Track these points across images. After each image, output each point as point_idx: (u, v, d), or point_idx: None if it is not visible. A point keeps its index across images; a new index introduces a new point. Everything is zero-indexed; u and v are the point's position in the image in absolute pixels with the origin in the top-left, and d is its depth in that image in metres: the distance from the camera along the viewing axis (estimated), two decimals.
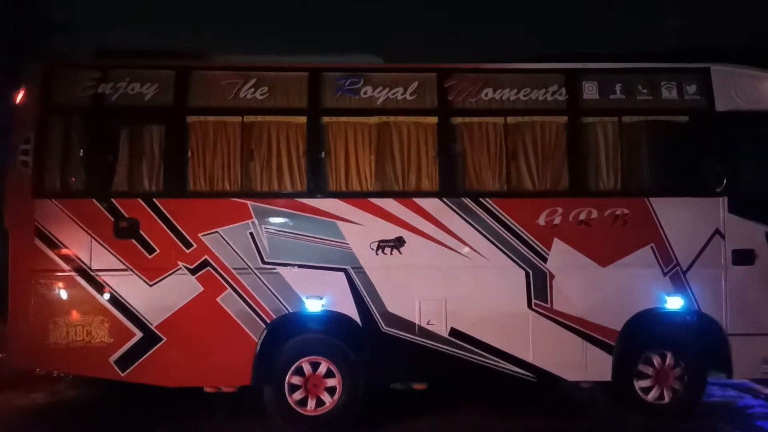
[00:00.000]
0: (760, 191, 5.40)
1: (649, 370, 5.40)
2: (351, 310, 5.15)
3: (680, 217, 5.29)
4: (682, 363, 5.39)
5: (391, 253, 5.18)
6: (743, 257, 5.27)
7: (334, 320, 5.19)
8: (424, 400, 5.72)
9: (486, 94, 5.39)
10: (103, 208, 5.07)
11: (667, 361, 5.40)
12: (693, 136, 5.40)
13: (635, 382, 5.39)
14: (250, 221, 5.12)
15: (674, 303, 5.28)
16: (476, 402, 5.92)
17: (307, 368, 5.18)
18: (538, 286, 5.23)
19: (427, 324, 5.18)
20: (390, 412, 5.54)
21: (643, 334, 5.33)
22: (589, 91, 5.40)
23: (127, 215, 5.07)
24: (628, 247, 5.26)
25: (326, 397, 5.17)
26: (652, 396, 5.39)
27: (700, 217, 5.30)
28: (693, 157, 5.41)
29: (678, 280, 5.27)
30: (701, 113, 5.38)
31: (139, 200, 5.10)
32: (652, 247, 5.25)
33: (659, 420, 5.37)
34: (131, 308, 5.04)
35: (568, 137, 5.35)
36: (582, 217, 5.25)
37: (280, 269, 5.13)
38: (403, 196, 5.24)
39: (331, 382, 5.18)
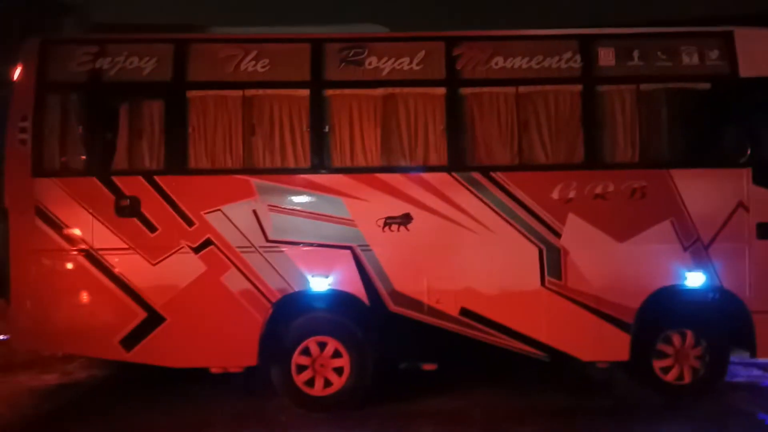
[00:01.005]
0: None
1: (669, 349, 5.20)
2: (358, 289, 5.01)
3: (701, 190, 5.04)
4: (703, 342, 5.18)
5: (398, 230, 5.01)
6: None
7: (340, 299, 5.06)
8: (437, 379, 5.58)
9: (496, 63, 5.15)
10: (104, 187, 4.97)
11: (688, 340, 5.19)
12: (715, 104, 5.11)
13: (654, 362, 5.20)
14: (253, 199, 4.98)
15: (695, 279, 5.05)
16: (490, 381, 5.77)
17: (314, 348, 5.06)
18: (552, 263, 5.03)
19: (436, 303, 5.03)
20: (400, 392, 5.43)
21: (662, 312, 5.13)
22: (605, 57, 5.14)
23: (127, 193, 4.96)
24: (646, 222, 5.03)
25: (334, 378, 5.06)
26: (671, 376, 5.20)
27: (722, 190, 5.04)
28: (715, 126, 5.13)
29: (699, 255, 5.03)
30: (724, 80, 5.09)
31: (140, 178, 4.98)
32: (671, 221, 5.02)
33: (679, 400, 5.18)
34: (134, 288, 4.95)
35: (583, 107, 5.09)
36: (598, 190, 5.02)
37: (284, 247, 4.99)
38: (410, 170, 5.06)
39: (338, 363, 5.06)
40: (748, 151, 5.03)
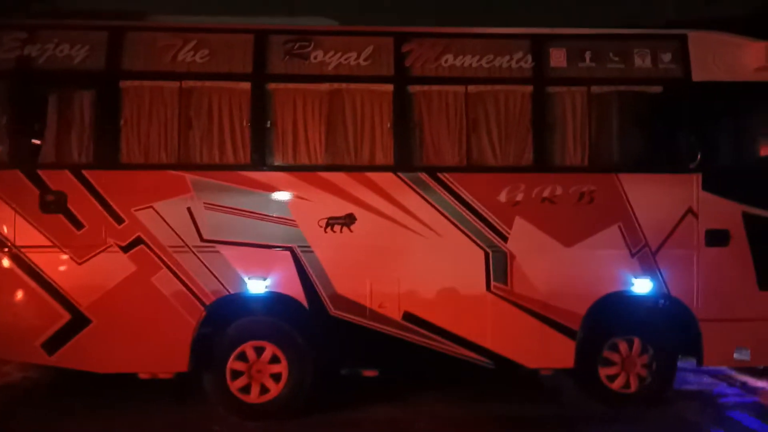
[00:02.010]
0: (737, 168, 5.07)
1: (615, 357, 5.11)
2: (297, 292, 4.81)
3: (651, 195, 4.94)
4: (651, 349, 5.09)
5: (341, 231, 4.83)
6: (717, 238, 4.94)
7: (278, 303, 4.84)
8: (383, 386, 5.43)
9: (446, 61, 4.99)
10: (28, 180, 4.68)
11: (634, 348, 5.10)
12: (667, 108, 5.01)
13: (600, 369, 5.10)
14: (187, 195, 4.75)
15: (642, 286, 4.96)
16: (438, 389, 5.61)
17: (250, 353, 4.85)
18: (498, 268, 4.89)
19: (379, 307, 4.85)
20: (344, 399, 5.25)
21: (608, 318, 5.03)
22: (557, 58, 5.02)
23: (53, 188, 4.68)
24: (594, 227, 4.92)
25: (271, 384, 4.85)
26: (617, 384, 5.10)
27: (672, 195, 4.95)
28: (666, 130, 5.04)
29: (647, 261, 4.94)
30: (676, 83, 5.01)
31: (67, 172, 4.71)
32: (619, 226, 4.92)
33: (625, 409, 5.08)
34: (59, 288, 4.67)
35: (533, 108, 4.96)
36: (546, 194, 4.90)
37: (220, 248, 4.76)
38: (355, 170, 4.87)
39: (276, 369, 4.86)
40: (699, 157, 4.95)
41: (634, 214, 4.92)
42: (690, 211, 4.94)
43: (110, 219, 4.70)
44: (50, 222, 4.68)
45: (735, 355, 5.01)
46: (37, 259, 4.68)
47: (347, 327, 4.83)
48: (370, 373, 5.00)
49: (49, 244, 4.67)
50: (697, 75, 4.99)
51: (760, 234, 4.95)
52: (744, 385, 6.04)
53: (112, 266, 4.69)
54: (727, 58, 5.01)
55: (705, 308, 4.95)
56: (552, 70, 5.01)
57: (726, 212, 4.94)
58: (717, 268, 4.95)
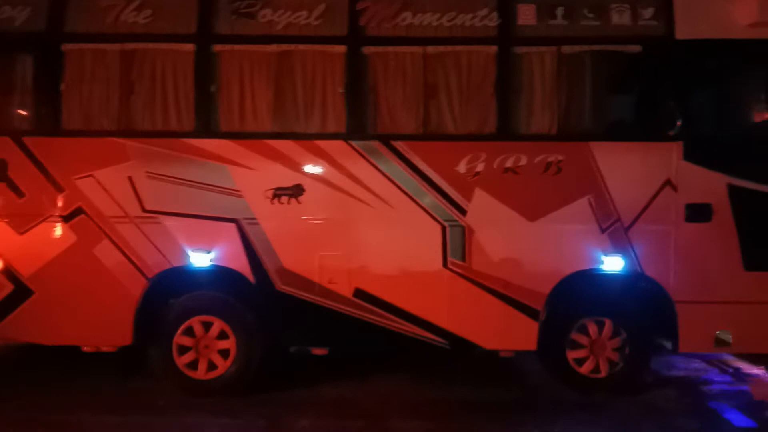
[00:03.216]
0: (723, 135, 4.59)
1: (584, 339, 4.76)
2: (242, 266, 4.60)
3: (625, 165, 4.52)
4: (623, 332, 4.73)
5: (288, 203, 4.58)
6: (698, 213, 4.51)
7: (223, 277, 4.65)
8: (343, 365, 5.26)
9: (404, 19, 4.63)
10: None
11: (605, 330, 4.74)
12: (646, 70, 4.55)
13: (568, 353, 4.77)
14: (128, 164, 4.56)
15: (613, 264, 4.58)
16: (394, 368, 5.37)
17: (198, 329, 4.69)
18: (456, 243, 4.58)
19: (329, 283, 4.61)
20: (297, 377, 5.09)
21: (576, 299, 4.69)
22: (525, 15, 4.60)
23: None
24: (561, 200, 4.54)
25: (219, 360, 4.69)
26: (586, 368, 4.76)
27: (648, 165, 4.52)
28: (644, 94, 4.61)
29: (618, 237, 4.55)
30: (657, 42, 4.54)
31: (8, 139, 4.56)
32: (589, 199, 4.53)
33: (593, 395, 4.75)
34: (0, 259, 4.58)
35: (498, 70, 4.57)
36: (508, 164, 4.54)
37: (162, 218, 4.58)
38: (304, 137, 4.60)
39: (224, 344, 4.69)
40: (680, 123, 4.50)
41: (606, 186, 4.52)
42: (668, 182, 4.51)
43: (51, 188, 4.56)
44: None
45: (715, 340, 4.61)
46: None
47: (295, 303, 4.62)
48: (319, 351, 4.79)
49: None
50: (681, 32, 4.51)
51: (747, 208, 4.50)
52: (737, 371, 5.62)
53: (54, 236, 4.57)
54: (715, 13, 4.50)
55: (682, 289, 4.55)
56: (519, 29, 4.60)
57: (709, 184, 4.49)
58: (697, 245, 4.53)
